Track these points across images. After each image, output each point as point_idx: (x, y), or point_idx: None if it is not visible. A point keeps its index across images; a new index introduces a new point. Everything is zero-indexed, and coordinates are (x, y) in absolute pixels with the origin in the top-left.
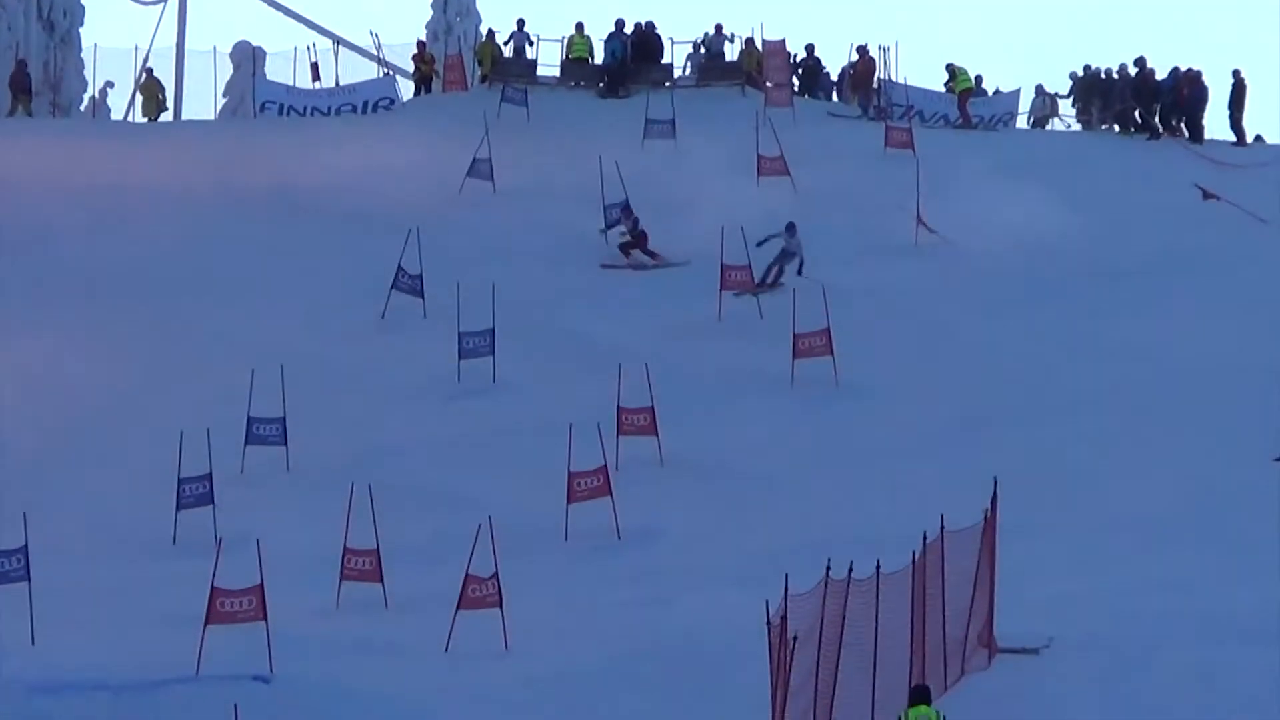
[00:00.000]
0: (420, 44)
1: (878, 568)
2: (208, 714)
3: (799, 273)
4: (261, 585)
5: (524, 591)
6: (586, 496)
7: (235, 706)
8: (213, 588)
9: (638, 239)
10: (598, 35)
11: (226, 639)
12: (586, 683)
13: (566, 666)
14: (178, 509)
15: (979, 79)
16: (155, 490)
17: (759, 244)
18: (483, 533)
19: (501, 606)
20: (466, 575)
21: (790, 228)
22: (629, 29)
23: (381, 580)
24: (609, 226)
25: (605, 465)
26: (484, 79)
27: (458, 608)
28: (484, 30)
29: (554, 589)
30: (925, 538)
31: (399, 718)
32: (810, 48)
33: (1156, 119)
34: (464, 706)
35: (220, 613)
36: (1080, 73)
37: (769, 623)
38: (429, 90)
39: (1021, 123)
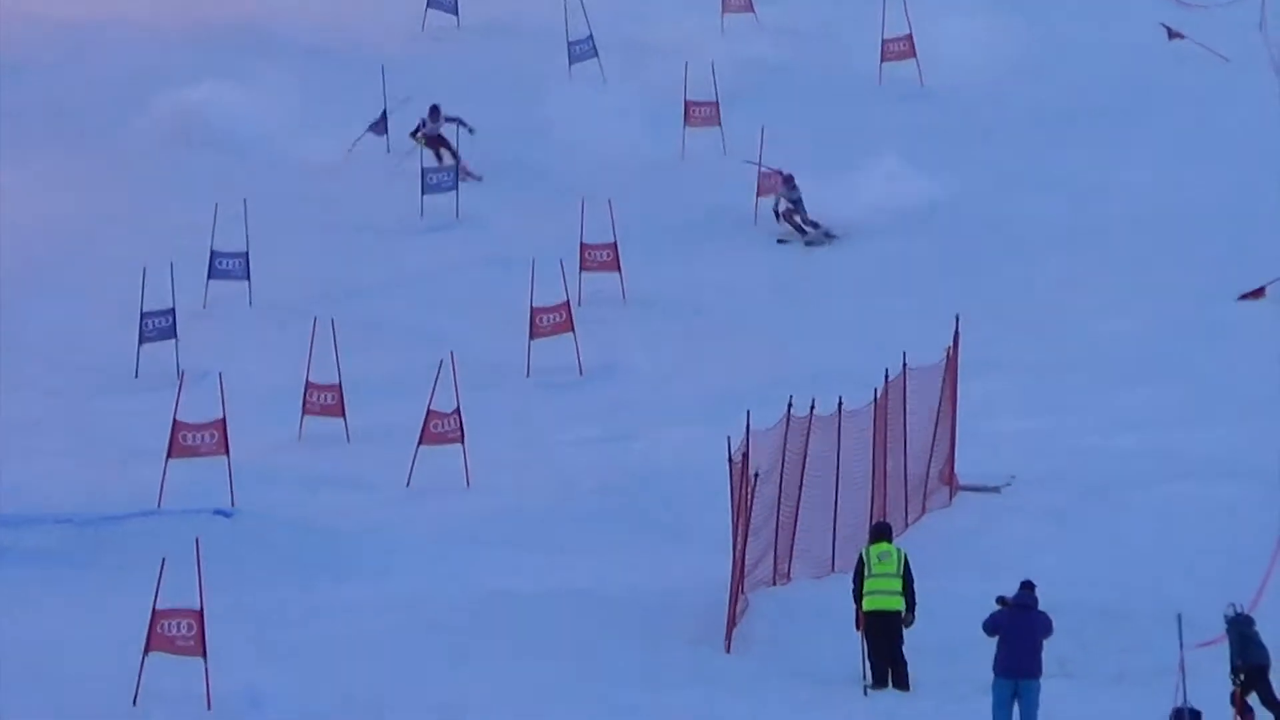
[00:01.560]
0: None
1: (839, 405)
2: (169, 547)
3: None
4: (224, 419)
5: (486, 427)
6: (549, 332)
7: (197, 540)
8: (175, 421)
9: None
10: None
11: (188, 473)
12: (548, 518)
13: (528, 502)
14: (140, 342)
15: None
16: (117, 324)
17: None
18: (445, 368)
19: (463, 442)
20: (428, 410)
21: (789, 181)
22: None
23: (344, 415)
24: (414, 132)
25: (568, 301)
26: None
27: (419, 443)
28: None
29: (516, 425)
30: (887, 375)
31: (360, 552)
32: None
33: None
34: (425, 541)
35: (182, 446)
36: None
37: (730, 459)
38: None
39: None
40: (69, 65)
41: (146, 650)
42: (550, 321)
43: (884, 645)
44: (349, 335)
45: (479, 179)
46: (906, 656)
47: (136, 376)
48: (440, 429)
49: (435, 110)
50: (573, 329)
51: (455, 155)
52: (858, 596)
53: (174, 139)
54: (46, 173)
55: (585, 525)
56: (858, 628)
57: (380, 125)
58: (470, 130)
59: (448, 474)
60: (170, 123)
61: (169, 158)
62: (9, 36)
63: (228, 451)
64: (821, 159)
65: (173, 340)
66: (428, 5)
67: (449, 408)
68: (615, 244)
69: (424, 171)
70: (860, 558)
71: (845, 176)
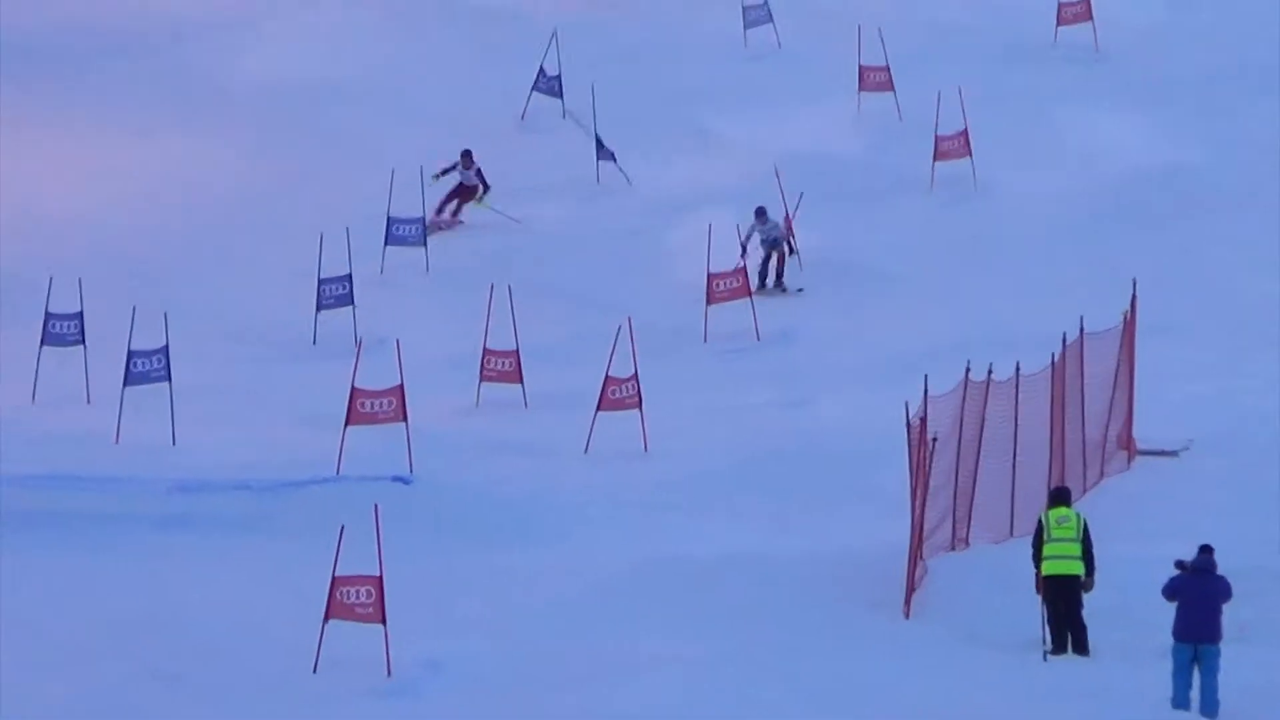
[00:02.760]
0: None
1: (1017, 369)
2: (348, 514)
3: (790, 252)
4: (401, 386)
5: (663, 393)
6: (726, 298)
7: (376, 507)
8: (353, 389)
9: (464, 192)
10: None
11: (367, 440)
12: (725, 483)
13: (705, 467)
14: (318, 310)
15: None
16: (295, 291)
17: (742, 252)
18: (622, 334)
19: (641, 408)
20: (606, 376)
21: (760, 213)
22: None
23: (521, 381)
24: (442, 173)
25: (744, 267)
26: None
27: (597, 409)
28: None
29: (693, 390)
30: (1065, 339)
31: (538, 518)
32: None
33: None
34: (603, 507)
35: (360, 414)
36: None
37: (908, 424)
38: None
39: None
40: (238, 33)
41: (326, 617)
42: (727, 287)
43: (1063, 610)
44: (526, 301)
45: (517, 220)
46: (1086, 621)
47: (314, 343)
48: (618, 395)
49: (467, 155)
50: (750, 294)
51: (457, 209)
52: (1037, 561)
53: (348, 106)
54: (221, 141)
55: (762, 490)
56: (1037, 591)
57: (554, 85)
58: (486, 189)
59: (626, 439)
60: (345, 90)
61: (344, 125)
62: (174, 2)
63: (406, 418)
64: (995, 122)
65: (350, 307)
66: None
67: (627, 373)
68: (787, 212)
69: (598, 138)
70: (1040, 522)
71: (1018, 138)
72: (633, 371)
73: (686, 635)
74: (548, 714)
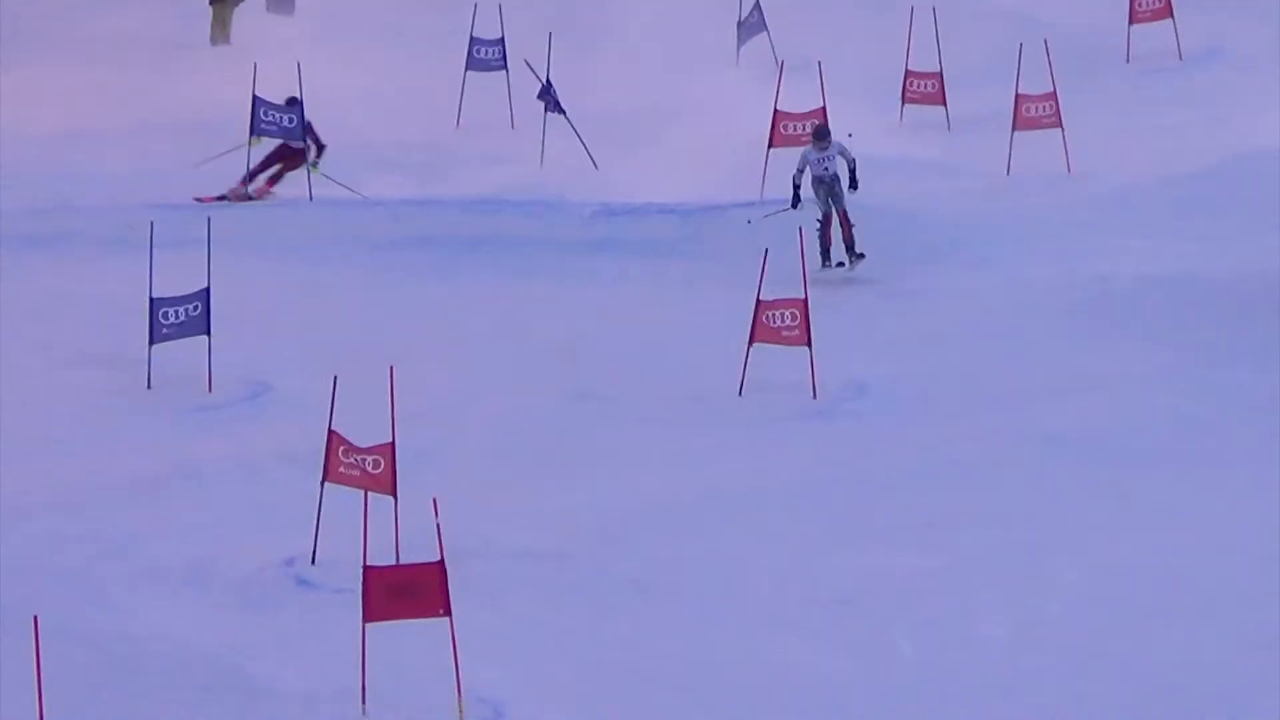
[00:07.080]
0: None
1: None
2: (771, 238)
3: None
4: (824, 108)
5: (1085, 112)
6: (1149, 18)
7: (799, 229)
8: (776, 111)
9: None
10: None
11: (791, 162)
12: (1150, 202)
13: (1129, 188)
14: (740, 34)
15: None
16: (712, 10)
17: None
18: (1040, 53)
19: (1062, 126)
20: (1018, 95)
21: (819, 133)
22: None
23: (944, 103)
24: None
25: None
26: None
27: (1014, 128)
28: None
29: (1115, 110)
30: None
31: (961, 239)
32: None
33: None
34: (1026, 227)
35: (784, 135)
36: None
37: None
38: None
39: None
40: None
41: (751, 341)
42: (1150, 6)
43: None
44: (949, 20)
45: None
46: None
47: (737, 65)
48: (1033, 113)
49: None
50: (1171, 13)
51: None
52: None
53: None
54: None
55: (1187, 209)
56: None
57: None
58: (321, 149)
59: (1047, 159)
60: None
61: None
62: None
63: None
64: None
65: (763, 32)
66: None
67: (1043, 91)
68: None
69: None
70: None
71: None
72: (1050, 89)
73: (1113, 355)
74: (973, 434)
